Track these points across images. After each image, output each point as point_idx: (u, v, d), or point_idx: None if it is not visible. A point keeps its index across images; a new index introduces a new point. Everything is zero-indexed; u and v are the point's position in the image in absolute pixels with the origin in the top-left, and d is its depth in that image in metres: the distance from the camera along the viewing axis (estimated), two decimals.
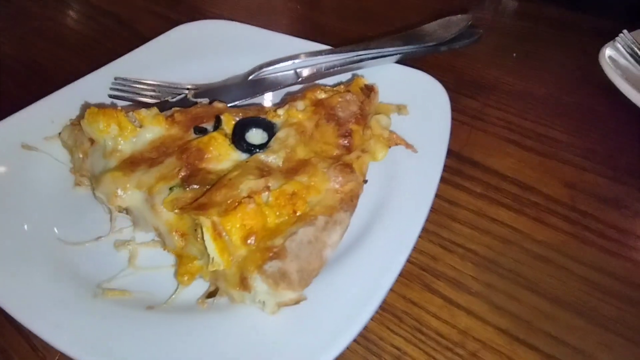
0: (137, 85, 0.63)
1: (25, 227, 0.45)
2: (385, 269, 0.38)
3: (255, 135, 0.48)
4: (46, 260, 0.42)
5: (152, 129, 0.49)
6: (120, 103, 0.61)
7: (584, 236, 0.49)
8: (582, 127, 0.65)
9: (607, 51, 0.68)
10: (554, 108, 0.69)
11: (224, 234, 0.37)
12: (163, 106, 0.60)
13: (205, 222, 0.37)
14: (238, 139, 0.46)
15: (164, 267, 0.43)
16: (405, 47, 0.65)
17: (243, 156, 0.46)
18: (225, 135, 0.47)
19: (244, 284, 0.36)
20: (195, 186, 0.42)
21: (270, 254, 0.35)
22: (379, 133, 0.51)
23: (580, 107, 0.69)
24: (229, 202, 0.39)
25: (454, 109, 0.57)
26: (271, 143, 0.47)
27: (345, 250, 0.41)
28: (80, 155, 0.51)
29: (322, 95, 0.53)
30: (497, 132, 0.64)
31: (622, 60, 0.67)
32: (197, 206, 0.39)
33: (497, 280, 0.44)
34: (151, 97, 0.63)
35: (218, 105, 0.54)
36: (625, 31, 0.69)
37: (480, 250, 0.47)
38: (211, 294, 0.39)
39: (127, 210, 0.46)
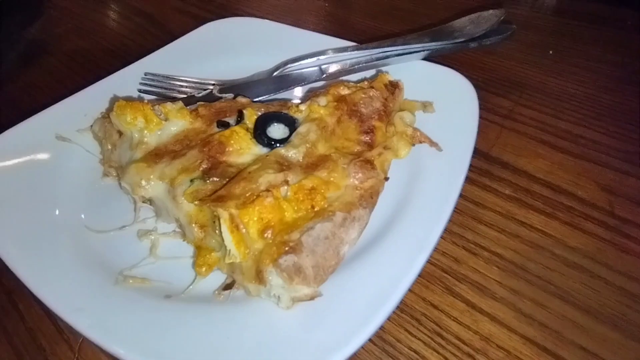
0: (166, 81, 0.65)
1: (57, 212, 0.47)
2: (404, 269, 0.36)
3: (277, 130, 0.48)
4: (73, 245, 0.43)
5: (177, 122, 0.50)
6: (148, 98, 0.63)
7: (622, 244, 0.46)
8: (623, 129, 0.61)
9: None
10: (592, 108, 0.65)
11: (241, 226, 0.37)
12: (189, 101, 0.61)
13: (223, 214, 0.37)
14: (259, 133, 0.46)
15: (184, 257, 0.43)
16: (433, 44, 0.63)
17: (264, 150, 0.46)
18: (247, 129, 0.48)
19: (259, 277, 0.36)
20: (215, 179, 0.42)
21: (286, 248, 0.35)
22: (402, 130, 0.49)
23: (621, 107, 0.64)
24: (247, 195, 0.39)
25: (483, 107, 0.55)
26: (292, 138, 0.46)
27: (363, 248, 0.40)
28: (109, 147, 0.52)
29: (345, 91, 0.53)
30: (529, 132, 0.61)
31: None
32: (216, 198, 0.39)
33: (524, 286, 0.42)
34: (178, 92, 0.64)
35: (242, 100, 0.54)
36: None
37: (507, 254, 0.45)
38: (228, 286, 0.39)
39: (150, 201, 0.47)
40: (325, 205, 0.39)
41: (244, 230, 0.37)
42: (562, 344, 0.38)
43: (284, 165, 0.43)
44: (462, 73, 0.59)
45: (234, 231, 0.37)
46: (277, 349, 0.33)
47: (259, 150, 0.46)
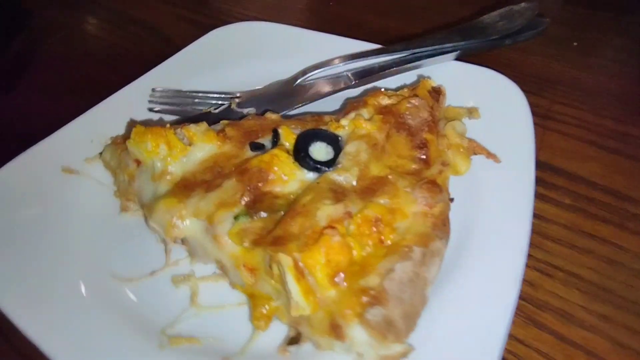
0: (177, 97, 0.58)
1: (72, 260, 0.40)
2: (498, 310, 0.32)
3: (320, 150, 0.42)
4: (99, 302, 0.37)
5: (203, 147, 0.44)
6: (166, 118, 0.57)
7: None
8: None
9: None
10: (634, 103, 0.62)
11: (306, 272, 0.32)
12: (207, 119, 0.55)
13: (286, 260, 0.32)
14: (303, 156, 0.41)
15: (230, 305, 0.38)
16: (464, 42, 0.59)
17: (309, 175, 0.41)
18: (287, 151, 0.42)
19: (336, 332, 0.31)
20: (263, 214, 0.37)
21: (368, 298, 0.30)
22: (456, 142, 0.45)
23: None
24: (307, 233, 0.33)
25: None
26: (340, 159, 0.41)
27: (440, 284, 0.35)
28: (126, 178, 0.46)
29: (386, 101, 0.48)
30: (573, 132, 0.58)
31: None
32: (273, 240, 0.33)
33: (612, 311, 0.38)
34: (192, 108, 0.58)
35: (271, 116, 0.48)
36: None
37: (584, 273, 0.41)
38: (293, 340, 0.34)
39: (182, 240, 0.42)
40: (397, 239, 0.35)
41: (310, 277, 0.32)
42: None
43: (338, 193, 0.38)
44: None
45: (300, 279, 0.32)
46: None
47: (304, 175, 0.41)
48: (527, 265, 0.41)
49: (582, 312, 0.38)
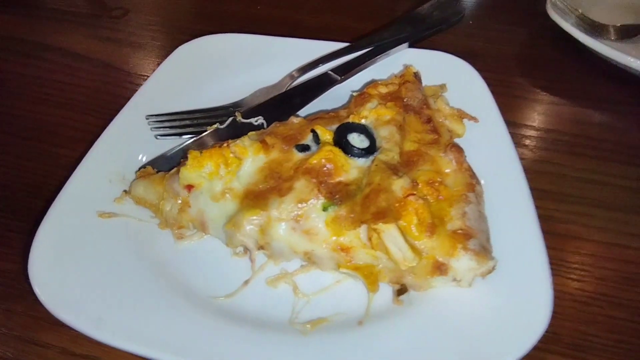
0: (177, 119, 0.58)
1: (169, 295, 0.41)
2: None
3: (356, 140, 0.49)
4: (218, 317, 0.39)
5: (253, 159, 0.47)
6: (156, 143, 0.56)
7: None
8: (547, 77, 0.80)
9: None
10: (525, 60, 0.82)
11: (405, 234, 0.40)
12: (219, 134, 0.57)
13: (391, 227, 0.39)
14: (350, 146, 0.48)
15: (330, 286, 0.43)
16: (415, 30, 0.71)
17: (361, 161, 0.47)
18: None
19: (440, 269, 0.39)
20: (344, 201, 0.43)
21: (464, 236, 0.39)
22: (449, 112, 0.56)
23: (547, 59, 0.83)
24: (394, 204, 0.41)
25: None
26: (379, 143, 0.49)
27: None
28: (176, 206, 0.46)
29: (384, 90, 0.57)
30: (499, 90, 0.74)
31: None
32: (374, 216, 0.40)
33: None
34: (197, 126, 0.58)
35: (295, 120, 0.53)
36: None
37: (548, 187, 0.57)
38: (400, 292, 0.41)
39: (263, 246, 0.45)
40: (450, 192, 0.44)
41: (408, 237, 0.40)
42: None
43: (393, 169, 0.46)
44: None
45: (406, 240, 0.39)
46: (488, 320, 0.38)
47: (357, 162, 0.47)
48: None
49: (556, 213, 0.54)
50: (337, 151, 0.47)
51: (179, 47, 0.68)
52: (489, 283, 0.40)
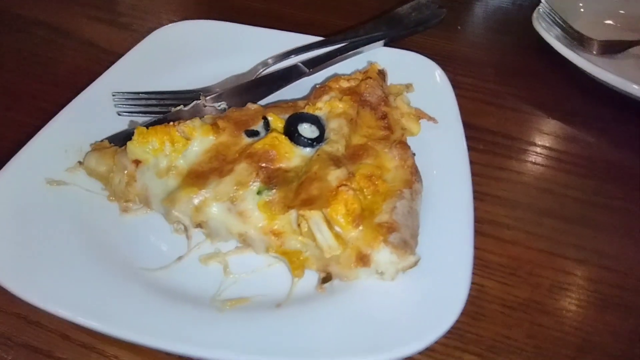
0: (142, 98, 0.59)
1: (99, 261, 0.42)
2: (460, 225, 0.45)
3: (307, 130, 0.50)
4: (143, 290, 0.40)
5: (201, 140, 0.48)
6: (119, 120, 0.57)
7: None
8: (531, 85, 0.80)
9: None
10: (505, 69, 0.82)
11: (332, 222, 0.41)
12: (180, 116, 0.58)
13: (318, 215, 0.40)
14: (297, 135, 0.49)
15: (261, 268, 0.45)
16: (391, 31, 0.72)
17: (306, 150, 0.48)
18: (279, 133, 0.49)
19: (363, 261, 0.40)
20: (281, 186, 0.44)
21: (387, 229, 0.40)
22: (407, 111, 0.57)
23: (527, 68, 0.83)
24: (326, 193, 0.42)
25: None
26: (327, 135, 0.50)
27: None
28: (124, 180, 0.48)
29: (345, 84, 0.58)
30: (471, 95, 0.75)
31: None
32: (302, 203, 0.41)
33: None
34: (160, 108, 0.59)
35: (252, 106, 0.54)
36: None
37: (500, 193, 0.58)
38: (325, 280, 0.42)
39: (200, 225, 0.46)
40: (387, 187, 0.45)
41: (335, 226, 0.41)
42: None
43: (335, 161, 0.47)
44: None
45: (330, 228, 0.40)
46: (402, 312, 0.39)
47: (302, 151, 0.48)
48: None
49: (505, 219, 0.54)
50: (283, 138, 0.48)
51: (156, 30, 0.70)
52: (412, 278, 0.41)
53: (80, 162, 0.51)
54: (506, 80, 0.79)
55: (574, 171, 0.62)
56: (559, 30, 0.83)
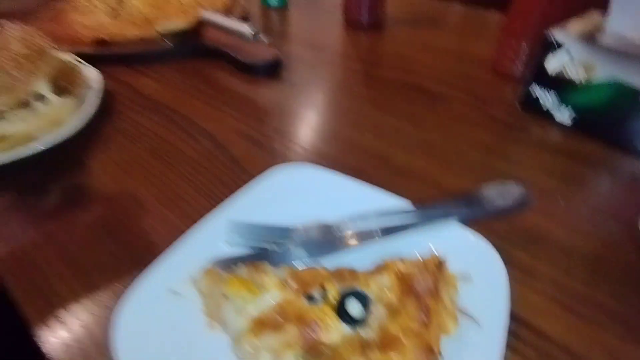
0: (251, 232, 0.78)
1: None
2: None
3: (355, 308, 0.61)
4: None
5: (273, 293, 0.64)
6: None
7: None
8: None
9: None
10: (601, 267, 0.76)
11: None
12: (272, 258, 0.75)
13: None
14: (344, 313, 0.60)
15: None
16: (469, 211, 0.78)
17: (346, 329, 0.59)
18: (332, 306, 0.61)
19: None
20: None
21: None
22: (449, 307, 0.63)
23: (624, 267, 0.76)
24: None
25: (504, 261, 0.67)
26: (368, 319, 0.60)
27: None
28: (215, 305, 0.66)
29: (401, 267, 0.67)
30: (546, 290, 0.73)
31: None
32: None
33: None
34: (263, 245, 0.77)
35: (319, 269, 0.68)
36: None
37: None
38: None
39: None
40: None
41: None
42: None
43: (364, 346, 0.56)
44: (485, 225, 0.72)
45: None
46: None
47: (343, 328, 0.59)
48: None
49: None
50: (330, 312, 0.60)
51: (273, 167, 0.89)
52: None
53: (195, 281, 0.71)
54: (598, 283, 0.74)
55: None
56: None
